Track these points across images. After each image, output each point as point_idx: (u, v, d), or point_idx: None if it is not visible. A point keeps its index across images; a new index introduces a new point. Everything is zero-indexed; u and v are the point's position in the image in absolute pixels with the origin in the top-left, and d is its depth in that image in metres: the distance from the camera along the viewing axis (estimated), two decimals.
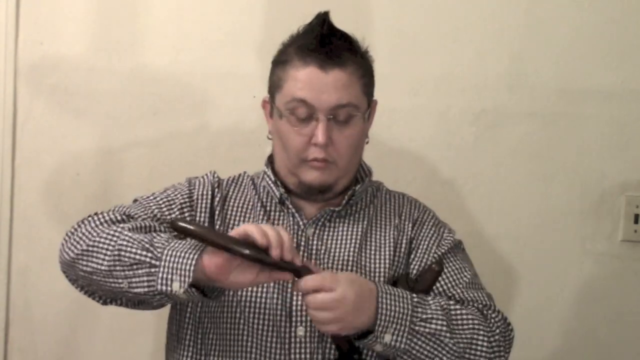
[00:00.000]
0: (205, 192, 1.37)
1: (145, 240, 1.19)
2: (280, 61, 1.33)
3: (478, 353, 1.25)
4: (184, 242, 1.18)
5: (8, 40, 1.81)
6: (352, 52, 1.31)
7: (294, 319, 1.28)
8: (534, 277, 1.93)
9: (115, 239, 1.21)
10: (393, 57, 1.87)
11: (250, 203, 1.38)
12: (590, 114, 1.91)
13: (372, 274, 1.32)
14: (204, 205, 1.36)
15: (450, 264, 1.36)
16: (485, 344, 1.25)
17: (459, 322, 1.25)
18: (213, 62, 1.85)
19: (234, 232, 1.15)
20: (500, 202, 1.92)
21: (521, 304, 1.93)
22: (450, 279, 1.34)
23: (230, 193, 1.40)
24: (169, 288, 1.15)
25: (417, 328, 1.20)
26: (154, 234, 1.22)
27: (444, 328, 1.22)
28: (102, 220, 1.28)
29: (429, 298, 1.26)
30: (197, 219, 1.35)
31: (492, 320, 1.29)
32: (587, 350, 1.95)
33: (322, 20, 1.32)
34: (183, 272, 1.14)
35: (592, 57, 1.91)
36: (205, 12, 1.85)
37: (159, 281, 1.15)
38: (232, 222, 1.36)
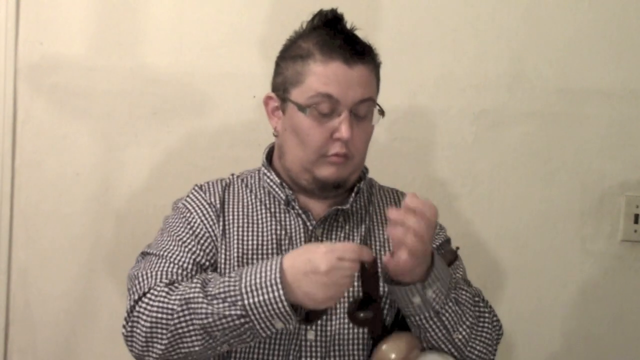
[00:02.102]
0: (204, 214, 1.35)
1: (216, 303, 1.15)
2: (297, 56, 1.31)
3: (485, 330, 1.28)
4: (250, 276, 1.15)
5: (8, 40, 1.81)
6: (370, 52, 1.33)
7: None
8: (534, 277, 1.93)
9: (190, 318, 1.17)
10: (393, 57, 1.86)
11: (250, 206, 1.37)
12: (590, 114, 1.91)
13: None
14: (210, 224, 1.34)
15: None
16: (487, 323, 1.29)
17: (474, 301, 1.29)
18: (213, 62, 1.85)
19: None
20: (500, 202, 1.92)
21: (521, 304, 1.93)
22: None
23: (227, 198, 1.38)
24: (272, 330, 1.15)
25: (451, 295, 1.23)
26: (212, 285, 1.18)
27: (469, 302, 1.26)
28: (158, 302, 1.21)
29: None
30: (211, 236, 1.33)
31: (489, 307, 1.34)
32: (587, 350, 1.95)
33: (338, 17, 1.34)
34: (281, 316, 1.13)
35: (592, 57, 1.91)
36: (205, 12, 1.84)
37: (261, 331, 1.15)
38: (234, 227, 1.34)
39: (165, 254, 1.30)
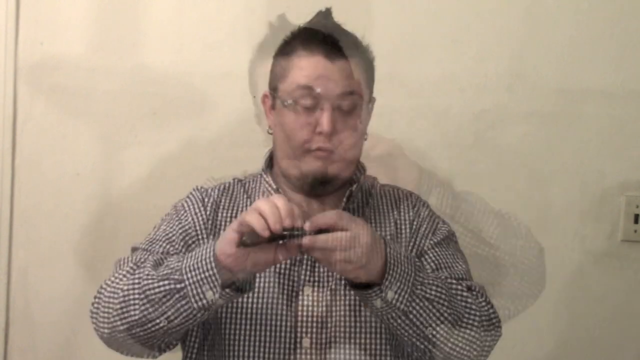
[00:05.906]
0: (196, 212, 1.37)
1: (161, 270, 1.19)
2: (284, 52, 1.34)
3: (469, 327, 1.24)
4: (194, 252, 1.19)
5: (8, 40, 1.81)
6: (356, 46, 1.34)
7: (299, 329, 1.28)
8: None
9: (136, 285, 1.21)
10: (393, 57, 1.86)
11: (244, 210, 1.37)
12: (590, 114, 1.91)
13: None
14: (200, 224, 1.36)
15: (445, 252, 1.36)
16: (476, 320, 1.25)
17: (455, 294, 1.25)
18: (213, 62, 1.85)
19: (231, 228, 1.15)
20: (500, 202, 1.92)
21: (520, 304, 1.92)
22: (444, 266, 1.34)
23: (222, 202, 1.39)
24: (204, 301, 1.15)
25: (417, 291, 1.19)
26: (166, 262, 1.23)
27: (443, 296, 1.22)
28: (116, 280, 1.26)
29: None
30: (200, 239, 1.35)
31: (483, 303, 1.29)
32: (586, 350, 1.94)
33: (326, 15, 1.36)
34: (209, 279, 1.15)
35: (592, 57, 1.91)
36: (205, 12, 1.85)
37: (193, 300, 1.16)
38: (224, 230, 1.34)
39: (148, 247, 1.34)
